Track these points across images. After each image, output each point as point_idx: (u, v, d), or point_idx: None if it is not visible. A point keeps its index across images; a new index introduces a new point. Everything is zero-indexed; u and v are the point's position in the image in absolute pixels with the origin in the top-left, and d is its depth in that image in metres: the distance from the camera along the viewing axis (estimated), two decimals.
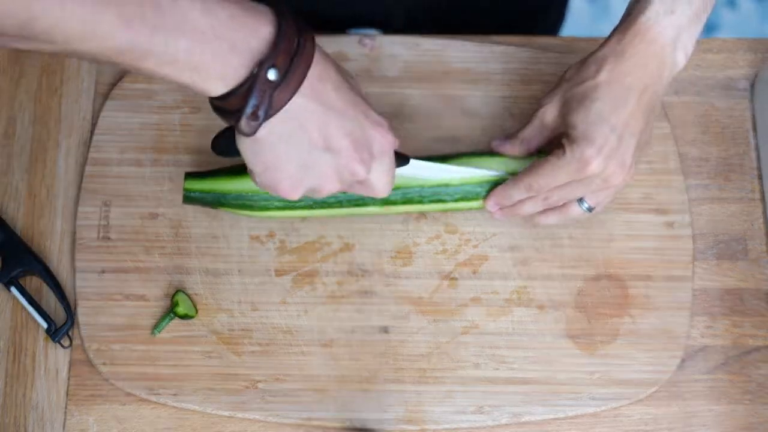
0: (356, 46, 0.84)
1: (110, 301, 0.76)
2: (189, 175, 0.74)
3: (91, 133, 0.81)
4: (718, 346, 0.77)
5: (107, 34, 0.49)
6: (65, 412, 0.75)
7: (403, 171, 0.70)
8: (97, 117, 0.81)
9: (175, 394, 0.75)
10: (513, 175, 0.73)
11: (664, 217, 0.80)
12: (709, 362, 0.77)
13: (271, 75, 0.52)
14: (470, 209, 0.76)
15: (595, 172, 0.67)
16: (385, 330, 0.77)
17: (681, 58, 0.66)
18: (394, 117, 0.81)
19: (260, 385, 0.75)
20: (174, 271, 0.77)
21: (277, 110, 0.54)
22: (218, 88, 0.53)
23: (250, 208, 0.74)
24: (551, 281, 0.78)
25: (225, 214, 0.79)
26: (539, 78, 0.83)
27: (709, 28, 1.79)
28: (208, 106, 0.81)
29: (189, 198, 0.74)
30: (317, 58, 0.55)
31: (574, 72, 0.69)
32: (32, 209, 0.80)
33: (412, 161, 0.70)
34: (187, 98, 0.82)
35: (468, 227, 0.79)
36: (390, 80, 0.83)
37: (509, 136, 0.75)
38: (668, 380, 0.76)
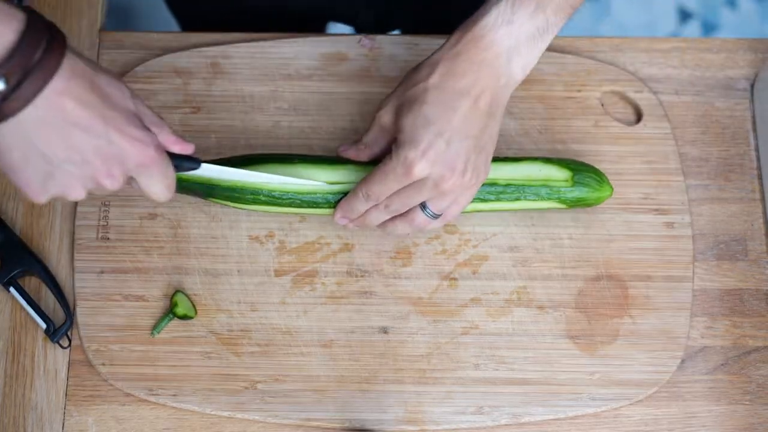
0: (356, 46, 0.83)
1: (109, 301, 0.76)
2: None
3: None
4: (718, 347, 0.77)
5: None
6: (64, 413, 0.75)
7: (199, 173, 0.69)
8: None
9: (174, 395, 0.74)
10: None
11: (664, 218, 0.80)
12: (709, 363, 0.77)
13: (0, 85, 0.52)
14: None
15: (420, 175, 0.65)
16: (384, 330, 0.76)
17: (517, 70, 0.66)
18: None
19: (259, 386, 0.75)
20: (173, 271, 0.77)
21: (4, 119, 0.53)
22: None
23: (240, 201, 0.74)
24: (551, 281, 0.78)
25: (224, 215, 0.79)
26: (539, 78, 0.83)
27: (709, 28, 1.79)
28: (209, 106, 0.82)
29: (182, 187, 0.74)
30: (64, 74, 0.54)
31: (409, 75, 0.68)
32: (31, 209, 0.79)
33: (204, 165, 0.68)
34: (187, 98, 0.82)
35: (468, 227, 0.79)
36: (390, 80, 0.83)
37: (356, 141, 0.74)
38: (668, 381, 0.76)
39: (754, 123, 0.83)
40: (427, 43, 0.84)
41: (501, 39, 0.64)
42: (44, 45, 0.53)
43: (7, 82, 0.52)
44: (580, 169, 0.75)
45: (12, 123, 0.53)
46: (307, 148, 0.80)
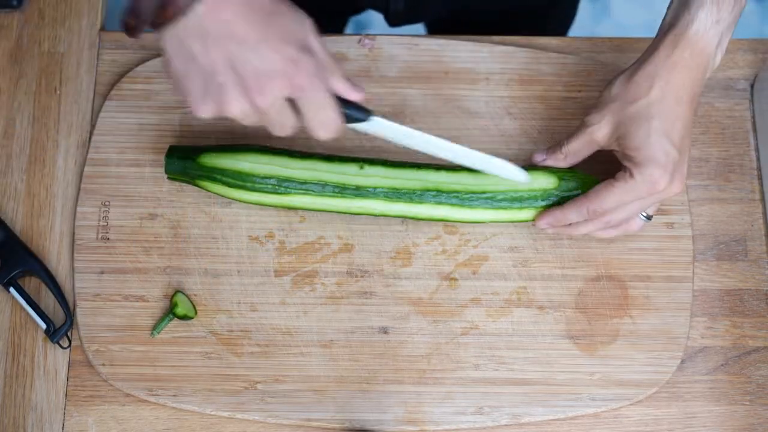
0: (356, 47, 0.83)
1: (109, 301, 0.76)
2: (173, 149, 0.76)
3: (90, 133, 0.81)
4: (718, 347, 0.77)
5: None
6: (64, 413, 0.75)
7: (364, 127, 0.67)
8: (96, 117, 0.81)
9: (174, 395, 0.74)
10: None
11: (664, 218, 0.80)
12: (709, 363, 0.77)
13: None
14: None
15: (662, 188, 0.68)
16: (384, 331, 0.76)
17: (719, 60, 0.69)
18: (394, 117, 0.81)
19: (259, 386, 0.75)
20: (173, 271, 0.77)
21: (164, 25, 0.55)
22: None
23: (243, 188, 0.74)
24: (551, 282, 0.78)
25: (224, 215, 0.78)
26: (539, 78, 0.83)
27: None
28: None
29: (171, 168, 0.75)
30: None
31: (621, 89, 0.69)
32: (31, 209, 0.79)
33: (373, 118, 0.67)
34: None
35: (467, 228, 0.79)
36: (390, 80, 0.83)
37: (551, 149, 0.75)
38: (668, 381, 0.76)
39: (754, 123, 0.83)
40: (427, 43, 0.84)
41: (711, 40, 0.67)
42: None
43: None
44: (566, 177, 0.75)
45: (172, 30, 0.55)
46: (308, 148, 0.80)
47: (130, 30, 0.58)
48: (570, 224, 0.74)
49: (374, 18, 1.12)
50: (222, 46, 0.56)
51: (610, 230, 0.74)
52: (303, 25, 0.60)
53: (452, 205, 0.74)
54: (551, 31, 1.10)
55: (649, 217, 0.74)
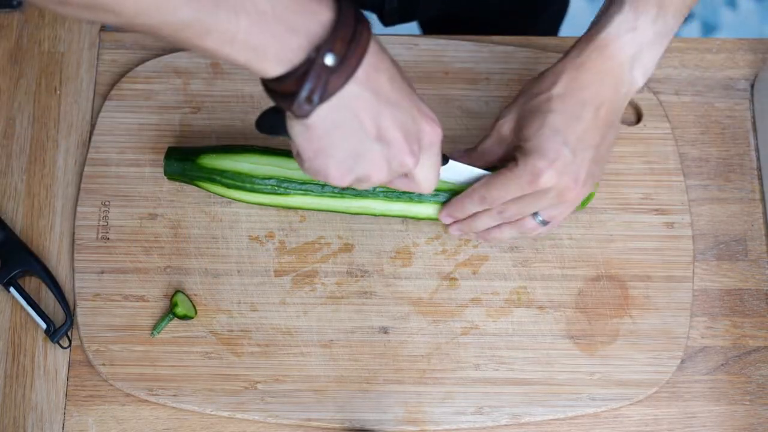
0: None
1: (109, 301, 0.76)
2: (171, 151, 0.76)
3: (90, 133, 0.81)
4: (718, 347, 0.77)
5: (172, 7, 0.49)
6: (64, 413, 0.75)
7: (445, 169, 0.70)
8: (96, 117, 0.81)
9: (174, 395, 0.74)
10: None
11: (664, 218, 0.80)
12: (709, 363, 0.77)
13: (329, 60, 0.52)
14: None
15: (547, 185, 0.66)
16: (384, 330, 0.76)
17: (639, 77, 0.66)
18: None
19: (259, 386, 0.75)
20: (173, 271, 0.77)
21: (331, 95, 0.54)
22: (275, 70, 0.53)
23: (242, 188, 0.74)
24: (551, 282, 0.78)
25: (224, 215, 0.78)
26: None
27: (709, 28, 1.79)
28: (208, 106, 0.82)
29: (170, 170, 0.75)
30: (373, 48, 0.55)
31: (531, 85, 0.68)
32: (31, 209, 0.79)
33: (451, 162, 0.70)
34: (187, 98, 0.82)
35: None
36: None
37: (469, 149, 0.74)
38: (668, 381, 0.76)
39: (754, 123, 0.83)
40: (427, 43, 0.84)
41: (624, 47, 0.64)
42: (355, 20, 0.54)
43: (335, 55, 0.52)
44: None
45: (334, 101, 0.54)
46: None
47: (273, 128, 0.58)
48: (471, 218, 0.72)
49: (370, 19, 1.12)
50: (380, 110, 0.56)
51: (506, 229, 0.72)
52: (406, 73, 0.61)
53: None
54: (543, 30, 1.10)
55: (544, 222, 0.71)
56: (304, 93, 0.53)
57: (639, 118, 0.82)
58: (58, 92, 0.82)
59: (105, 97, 0.82)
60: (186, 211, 0.79)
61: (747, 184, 0.81)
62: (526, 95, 0.68)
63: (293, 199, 0.75)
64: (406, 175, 0.63)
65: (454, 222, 0.74)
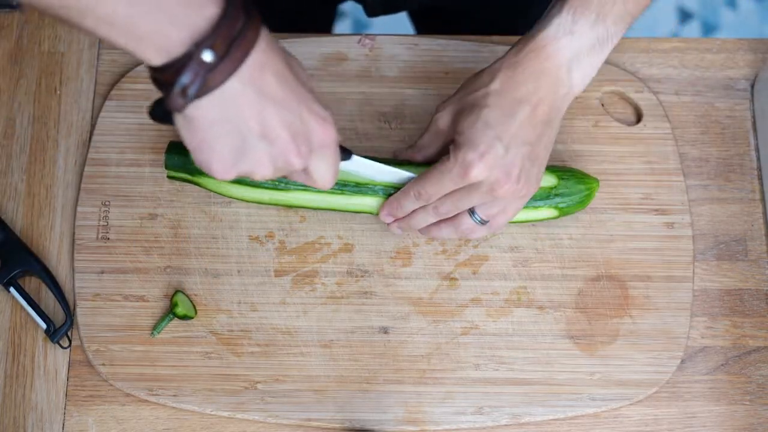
0: (356, 46, 0.83)
1: (109, 301, 0.76)
2: (173, 145, 0.76)
3: (90, 133, 0.81)
4: (718, 347, 0.77)
5: None
6: (64, 413, 0.75)
7: (344, 166, 0.70)
8: (96, 117, 0.81)
9: (174, 395, 0.74)
10: None
11: (664, 218, 0.80)
12: (709, 363, 0.77)
13: (207, 56, 0.52)
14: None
15: (477, 178, 0.66)
16: (384, 330, 0.76)
17: (578, 80, 0.66)
18: (394, 117, 0.81)
19: (259, 386, 0.75)
20: (173, 271, 0.77)
21: (209, 92, 0.53)
22: (155, 59, 0.53)
23: (242, 183, 0.74)
24: (551, 282, 0.78)
25: (224, 215, 0.78)
26: None
27: (709, 28, 1.79)
28: None
29: (171, 163, 0.75)
30: (261, 47, 0.55)
31: (470, 81, 0.68)
32: (31, 209, 0.79)
33: (354, 157, 0.69)
34: None
35: None
36: (390, 80, 0.83)
37: (410, 145, 0.74)
38: (668, 381, 0.76)
39: (754, 123, 0.83)
40: (427, 43, 0.84)
41: (562, 49, 0.65)
42: (243, 17, 0.53)
43: (215, 52, 0.52)
44: (564, 175, 0.75)
45: (214, 96, 0.54)
46: None
47: (165, 116, 0.57)
48: (409, 216, 0.72)
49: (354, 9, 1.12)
50: (264, 109, 0.56)
51: (443, 226, 0.72)
52: (306, 72, 0.61)
53: None
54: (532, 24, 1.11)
55: (482, 222, 0.71)
56: (178, 87, 0.53)
57: (639, 118, 0.83)
58: (58, 92, 0.82)
59: (105, 97, 0.82)
60: (186, 211, 0.79)
61: (747, 184, 0.81)
62: (465, 90, 0.68)
63: (293, 195, 0.75)
64: (302, 172, 0.63)
65: (395, 220, 0.74)
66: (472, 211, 0.70)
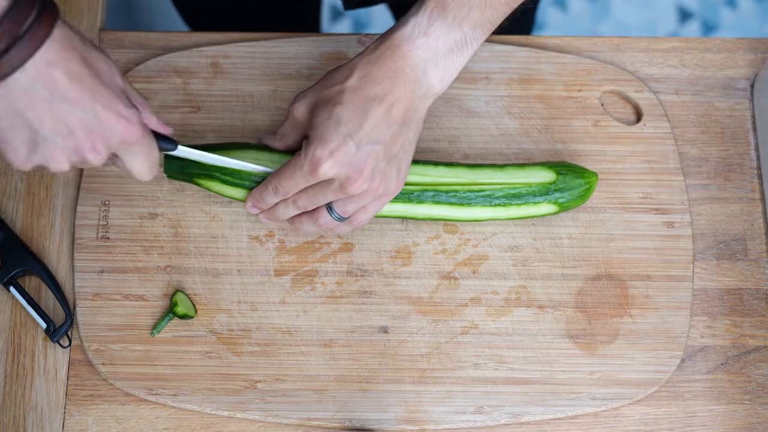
0: (355, 46, 0.83)
1: (109, 301, 0.76)
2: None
3: None
4: (718, 346, 0.77)
5: None
6: (64, 412, 0.75)
7: (175, 154, 0.70)
8: None
9: (174, 395, 0.74)
10: None
11: (664, 217, 0.80)
12: (708, 362, 0.77)
13: None
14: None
15: (326, 175, 0.65)
16: (384, 330, 0.76)
17: (435, 82, 0.66)
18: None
19: (259, 385, 0.75)
20: (173, 271, 0.77)
21: None
22: None
23: (241, 186, 0.74)
24: (551, 281, 0.78)
25: (224, 215, 0.79)
26: (539, 77, 0.83)
27: (709, 28, 1.79)
28: (209, 105, 0.82)
29: (170, 167, 0.74)
30: (55, 45, 0.55)
31: (328, 75, 0.68)
32: (31, 209, 0.79)
33: (181, 147, 0.69)
34: (187, 98, 0.82)
35: (468, 227, 0.79)
36: None
37: (274, 132, 0.74)
38: (668, 380, 0.76)
39: (754, 123, 0.83)
40: None
41: (417, 50, 0.65)
42: (34, 14, 0.54)
43: None
44: (563, 170, 0.75)
45: (0, 89, 0.54)
46: None
47: None
48: (272, 208, 0.72)
49: (375, 15, 1.12)
50: (54, 106, 0.56)
51: (304, 219, 0.72)
52: (114, 69, 0.61)
53: (451, 204, 0.75)
54: (523, 17, 1.11)
55: (340, 218, 0.70)
56: None
57: (639, 117, 0.83)
58: None
59: None
60: (186, 210, 0.79)
61: (747, 183, 0.82)
62: (322, 84, 0.68)
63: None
64: (116, 164, 0.64)
65: (261, 212, 0.74)
66: (330, 208, 0.70)
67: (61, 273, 0.78)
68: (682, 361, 0.77)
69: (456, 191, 0.74)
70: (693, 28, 1.79)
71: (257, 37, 0.84)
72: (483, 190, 0.74)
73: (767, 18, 1.80)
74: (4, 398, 0.75)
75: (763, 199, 0.81)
